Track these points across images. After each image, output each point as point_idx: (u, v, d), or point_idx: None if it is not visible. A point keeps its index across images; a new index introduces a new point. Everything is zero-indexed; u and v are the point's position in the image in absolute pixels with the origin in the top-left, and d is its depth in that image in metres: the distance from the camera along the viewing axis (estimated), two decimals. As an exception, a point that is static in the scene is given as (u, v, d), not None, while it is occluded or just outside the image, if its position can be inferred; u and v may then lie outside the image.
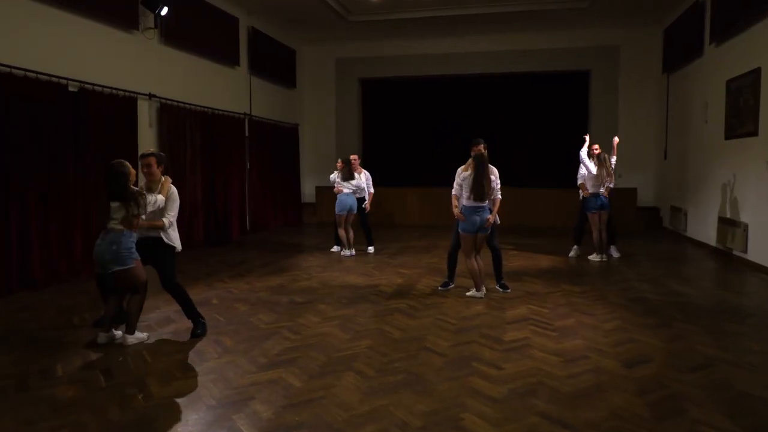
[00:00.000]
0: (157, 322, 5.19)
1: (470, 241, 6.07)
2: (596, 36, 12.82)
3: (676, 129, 11.31)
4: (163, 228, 4.86)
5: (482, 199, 5.97)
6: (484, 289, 6.13)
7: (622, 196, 11.97)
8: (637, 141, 12.83)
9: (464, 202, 6.07)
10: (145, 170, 4.93)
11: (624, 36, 12.72)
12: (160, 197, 4.75)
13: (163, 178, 4.98)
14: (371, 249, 9.11)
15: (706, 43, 9.55)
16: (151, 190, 4.92)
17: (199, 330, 4.93)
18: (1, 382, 3.82)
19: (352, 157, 9.16)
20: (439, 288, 6.49)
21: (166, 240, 4.88)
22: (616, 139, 8.95)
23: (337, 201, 8.74)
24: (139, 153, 7.87)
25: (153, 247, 4.84)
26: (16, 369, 4.04)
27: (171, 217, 4.92)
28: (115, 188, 4.47)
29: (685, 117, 10.73)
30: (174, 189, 4.96)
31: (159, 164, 4.95)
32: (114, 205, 4.46)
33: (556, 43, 12.99)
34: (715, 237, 8.96)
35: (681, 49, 10.77)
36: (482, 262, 6.21)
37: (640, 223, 12.08)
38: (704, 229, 9.54)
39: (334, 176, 9.03)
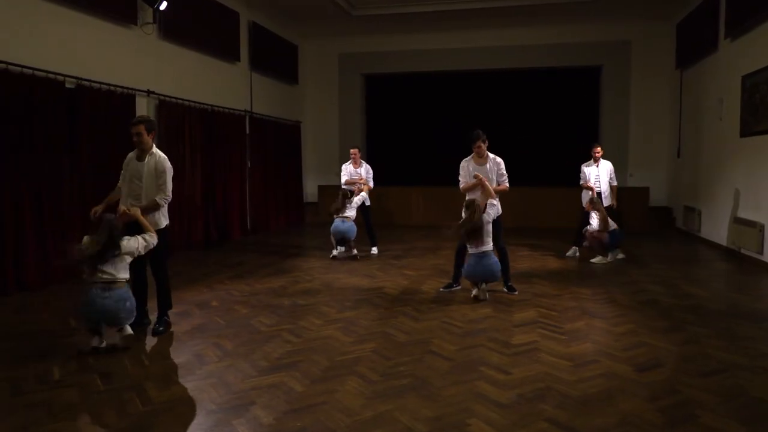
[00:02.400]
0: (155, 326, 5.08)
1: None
2: (607, 31, 12.67)
3: (690, 126, 11.17)
4: (158, 209, 4.83)
5: (484, 244, 5.89)
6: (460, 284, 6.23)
7: (633, 196, 11.91)
8: (650, 139, 12.72)
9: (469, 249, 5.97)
10: (135, 139, 4.85)
11: (636, 31, 12.57)
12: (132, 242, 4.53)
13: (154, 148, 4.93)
14: (374, 250, 8.96)
15: (721, 38, 9.42)
16: (141, 159, 4.87)
17: (161, 327, 4.89)
18: (-6, 386, 3.73)
19: (351, 151, 9.01)
20: (441, 289, 6.40)
21: (159, 225, 4.88)
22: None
23: (333, 225, 8.46)
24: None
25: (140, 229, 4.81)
26: (11, 372, 3.96)
27: (167, 195, 4.88)
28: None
29: (699, 114, 10.59)
30: (165, 157, 4.94)
31: (149, 132, 4.88)
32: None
33: (565, 38, 12.84)
34: (730, 238, 8.85)
35: (694, 44, 10.64)
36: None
37: (652, 224, 11.95)
38: (718, 230, 9.42)
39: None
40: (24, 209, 6.34)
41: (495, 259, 5.94)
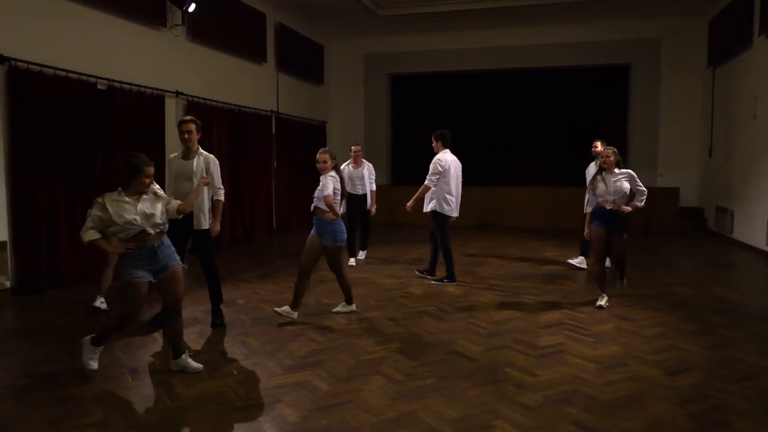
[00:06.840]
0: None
1: None
2: (637, 28, 12.40)
3: (722, 125, 10.89)
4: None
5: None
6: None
7: (663, 196, 11.68)
8: (681, 138, 12.44)
9: None
10: (186, 137, 4.92)
11: (667, 28, 12.29)
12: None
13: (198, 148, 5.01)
14: (362, 255, 8.33)
15: (755, 34, 9.18)
16: (188, 157, 4.93)
17: (218, 320, 5.03)
18: (28, 380, 3.84)
19: (353, 148, 8.06)
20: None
21: (204, 225, 4.94)
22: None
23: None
24: (167, 149, 7.99)
25: (188, 228, 4.88)
26: (44, 368, 4.06)
27: (222, 189, 5.11)
28: None
29: (732, 112, 10.32)
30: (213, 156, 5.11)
31: (198, 131, 5.00)
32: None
33: (594, 36, 12.62)
34: (764, 240, 8.61)
35: (727, 41, 10.38)
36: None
37: (682, 224, 11.71)
38: (752, 232, 9.18)
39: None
40: (58, 208, 6.49)
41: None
